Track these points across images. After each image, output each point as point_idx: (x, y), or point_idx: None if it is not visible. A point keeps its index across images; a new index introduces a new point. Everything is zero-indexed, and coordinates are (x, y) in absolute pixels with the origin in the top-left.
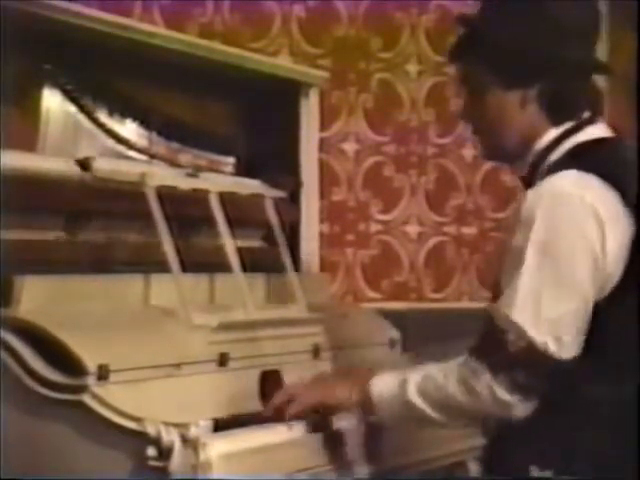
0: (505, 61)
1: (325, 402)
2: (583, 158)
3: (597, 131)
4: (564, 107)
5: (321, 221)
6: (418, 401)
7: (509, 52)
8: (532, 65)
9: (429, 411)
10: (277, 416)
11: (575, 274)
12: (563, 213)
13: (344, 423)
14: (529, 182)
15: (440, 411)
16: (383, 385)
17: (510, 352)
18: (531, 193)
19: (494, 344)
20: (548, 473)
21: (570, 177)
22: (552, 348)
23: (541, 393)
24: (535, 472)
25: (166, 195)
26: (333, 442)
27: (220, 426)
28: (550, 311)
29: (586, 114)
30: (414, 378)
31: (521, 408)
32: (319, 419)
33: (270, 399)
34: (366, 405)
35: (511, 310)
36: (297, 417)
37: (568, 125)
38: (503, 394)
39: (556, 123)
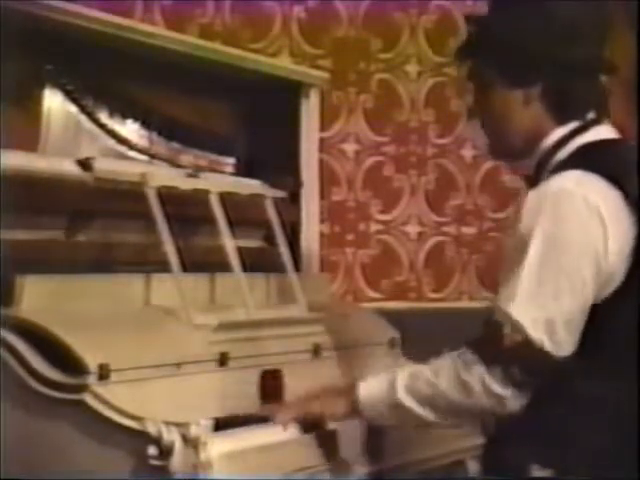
0: (509, 60)
1: (310, 412)
2: (588, 158)
3: (603, 132)
4: (568, 106)
5: (321, 221)
6: (407, 400)
7: (513, 51)
8: (534, 63)
9: (419, 409)
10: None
11: (576, 273)
12: (566, 212)
13: (343, 423)
14: (534, 181)
15: (431, 408)
16: (370, 388)
17: (506, 346)
18: (533, 193)
19: (490, 337)
20: (549, 472)
21: (573, 177)
22: (548, 345)
23: (535, 388)
24: (536, 471)
25: (167, 195)
26: (333, 442)
27: (220, 425)
28: (548, 308)
29: (591, 114)
30: (402, 377)
31: (514, 402)
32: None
33: (270, 398)
34: (354, 410)
35: (509, 304)
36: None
37: (574, 125)
38: (497, 387)
39: (561, 122)
